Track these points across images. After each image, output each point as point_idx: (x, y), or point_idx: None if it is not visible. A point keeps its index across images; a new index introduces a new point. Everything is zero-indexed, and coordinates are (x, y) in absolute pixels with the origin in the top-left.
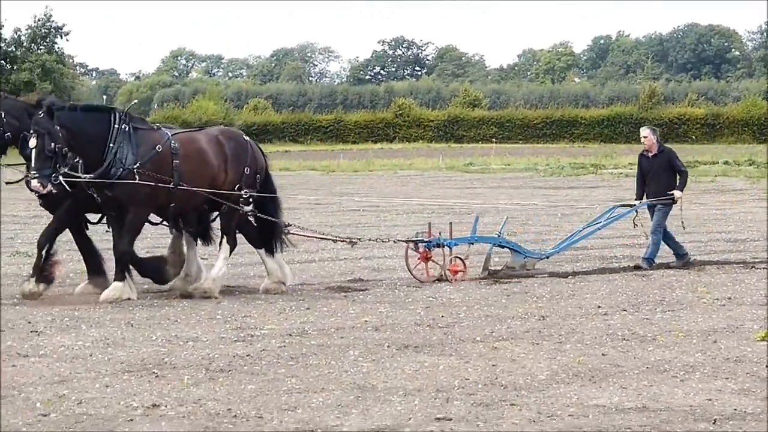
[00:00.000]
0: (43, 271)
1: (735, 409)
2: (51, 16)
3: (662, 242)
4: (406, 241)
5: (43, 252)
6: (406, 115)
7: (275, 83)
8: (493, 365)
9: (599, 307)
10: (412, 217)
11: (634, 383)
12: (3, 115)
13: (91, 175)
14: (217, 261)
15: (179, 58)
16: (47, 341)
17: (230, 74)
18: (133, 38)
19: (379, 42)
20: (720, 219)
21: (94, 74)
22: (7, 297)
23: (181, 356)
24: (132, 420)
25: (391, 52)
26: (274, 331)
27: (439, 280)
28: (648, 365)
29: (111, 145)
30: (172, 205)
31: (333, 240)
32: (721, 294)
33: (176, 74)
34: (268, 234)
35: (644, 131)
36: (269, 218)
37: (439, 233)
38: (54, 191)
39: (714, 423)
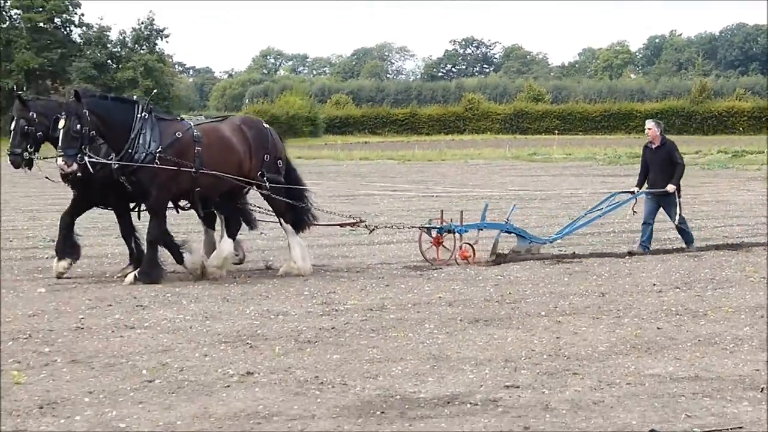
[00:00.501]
0: (66, 249)
1: None
2: (153, 20)
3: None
4: (420, 227)
5: (67, 232)
6: (476, 109)
7: (356, 80)
8: (557, 338)
9: (654, 284)
10: (479, 202)
11: (687, 354)
12: (35, 116)
13: (115, 158)
14: (292, 243)
15: (268, 57)
16: (151, 314)
17: (314, 72)
18: (226, 38)
19: (450, 42)
20: (766, 204)
21: (191, 72)
22: (111, 275)
23: (272, 328)
24: (228, 386)
25: (461, 51)
26: (356, 306)
27: (449, 264)
28: (700, 338)
29: (134, 132)
30: (197, 189)
31: (349, 225)
32: None
33: (265, 72)
34: (292, 215)
35: (649, 123)
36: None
37: (450, 220)
38: (78, 172)
39: (761, 391)
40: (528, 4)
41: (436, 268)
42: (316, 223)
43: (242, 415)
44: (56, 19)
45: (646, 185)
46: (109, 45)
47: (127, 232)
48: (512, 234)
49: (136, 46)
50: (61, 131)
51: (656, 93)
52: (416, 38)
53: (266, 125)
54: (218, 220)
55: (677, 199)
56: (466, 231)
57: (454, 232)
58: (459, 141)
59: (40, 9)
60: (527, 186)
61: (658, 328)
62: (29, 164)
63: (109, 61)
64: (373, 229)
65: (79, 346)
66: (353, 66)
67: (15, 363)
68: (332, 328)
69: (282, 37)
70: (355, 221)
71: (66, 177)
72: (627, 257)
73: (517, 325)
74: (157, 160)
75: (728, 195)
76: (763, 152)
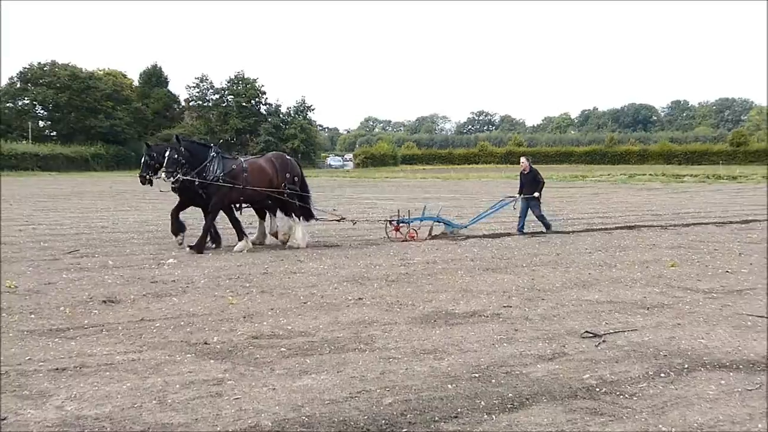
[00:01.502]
0: (179, 228)
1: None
2: (305, 99)
3: (536, 216)
4: (384, 220)
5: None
6: (485, 151)
7: (418, 134)
8: (532, 279)
9: (586, 249)
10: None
11: (605, 288)
12: (154, 154)
13: (196, 179)
14: (296, 229)
15: (369, 120)
16: (305, 266)
17: (395, 129)
18: (346, 108)
19: (470, 112)
20: (647, 203)
21: (326, 130)
22: (276, 244)
23: (373, 274)
24: (348, 306)
25: (476, 117)
26: (419, 261)
27: (404, 241)
28: (612, 279)
29: (207, 163)
30: (241, 198)
31: (339, 220)
32: None
33: (367, 129)
34: (302, 211)
35: (522, 159)
36: (301, 204)
37: (404, 216)
38: (175, 184)
39: (647, 309)
40: (515, 86)
41: (464, 239)
42: (316, 217)
43: (356, 322)
44: (252, 101)
45: (522, 194)
46: (281, 114)
47: (211, 221)
48: (441, 223)
49: (296, 115)
50: (167, 158)
51: (585, 141)
52: (451, 108)
53: (288, 156)
54: (269, 214)
55: (539, 202)
56: (411, 222)
57: (402, 223)
58: (475, 168)
59: (244, 95)
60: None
61: (589, 273)
62: (150, 183)
63: (281, 123)
64: (356, 222)
65: (265, 283)
66: (416, 125)
67: (229, 292)
68: (406, 273)
69: (377, 106)
70: (340, 217)
71: (173, 189)
72: (571, 233)
73: (510, 272)
74: (219, 181)
75: (626, 198)
76: (645, 175)
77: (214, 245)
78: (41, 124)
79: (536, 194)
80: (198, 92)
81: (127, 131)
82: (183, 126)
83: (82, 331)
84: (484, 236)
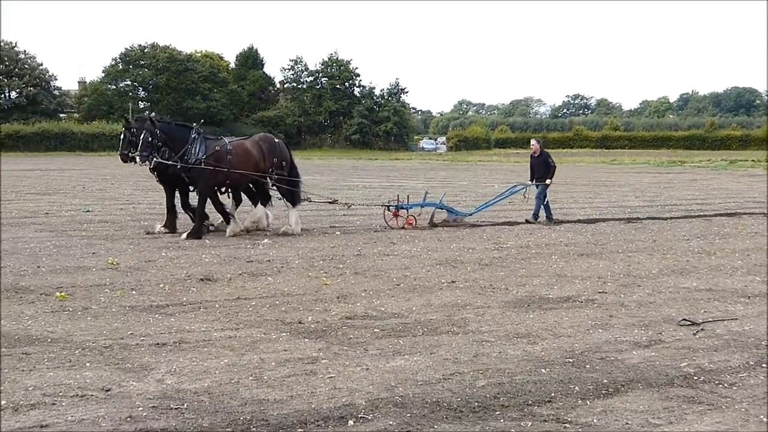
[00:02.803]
0: (171, 223)
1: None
2: (398, 82)
3: (535, 203)
4: (382, 205)
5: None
6: (580, 135)
7: (512, 117)
8: (628, 265)
9: (684, 236)
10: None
11: (704, 276)
12: (134, 130)
13: (178, 162)
14: (290, 214)
15: (462, 104)
16: (398, 248)
17: (488, 112)
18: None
19: (566, 96)
20: (749, 189)
21: (419, 112)
22: (373, 226)
23: (466, 257)
24: (441, 289)
25: (572, 101)
26: (513, 245)
27: (402, 228)
28: (711, 267)
29: (189, 145)
30: (227, 182)
31: (332, 202)
32: None
33: (461, 112)
34: (290, 196)
35: (532, 141)
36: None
37: (403, 200)
38: (150, 167)
39: (748, 298)
40: (611, 69)
41: (558, 224)
42: (307, 200)
43: (449, 305)
44: (346, 83)
45: (534, 180)
46: (374, 97)
47: (203, 206)
48: (444, 210)
49: (389, 97)
50: (141, 141)
51: (684, 126)
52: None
53: (277, 139)
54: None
55: (545, 188)
56: (411, 208)
57: (401, 208)
58: (570, 152)
59: (338, 77)
60: (601, 177)
61: (687, 260)
62: (132, 160)
63: (374, 106)
64: (350, 206)
65: (358, 264)
66: (510, 109)
67: (323, 273)
68: (499, 257)
69: (471, 89)
70: (333, 200)
71: (151, 171)
72: (668, 220)
73: (605, 257)
74: (201, 164)
75: (727, 184)
76: (747, 161)
77: (212, 227)
78: (141, 105)
79: (548, 181)
80: (293, 74)
81: (223, 113)
82: (277, 108)
83: (181, 308)
84: (579, 221)
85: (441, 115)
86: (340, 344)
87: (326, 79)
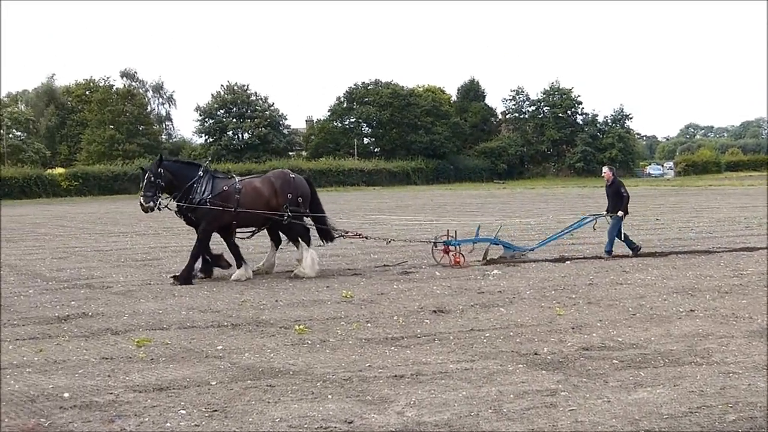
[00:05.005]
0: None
1: None
2: (623, 108)
3: (619, 239)
4: (428, 242)
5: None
6: None
7: (742, 139)
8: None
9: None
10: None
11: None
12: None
13: (181, 203)
14: (305, 255)
15: (689, 127)
16: (631, 276)
17: (717, 135)
18: (669, 112)
19: None
20: None
21: (644, 138)
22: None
23: (703, 285)
24: (679, 318)
25: None
26: (753, 271)
27: (453, 265)
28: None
29: (194, 184)
30: (234, 222)
31: (367, 238)
32: None
33: (687, 136)
34: (303, 234)
35: (605, 169)
36: (301, 223)
37: (452, 236)
38: (154, 208)
39: None
40: None
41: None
42: (339, 235)
43: (689, 335)
44: (568, 111)
45: (608, 212)
46: (597, 124)
47: (200, 248)
48: (500, 245)
49: (613, 124)
50: (145, 182)
51: None
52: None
53: (292, 175)
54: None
55: (619, 220)
56: (458, 244)
57: (450, 245)
58: None
59: (560, 105)
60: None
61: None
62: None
63: (597, 133)
64: (390, 241)
65: (591, 294)
66: (741, 131)
67: (556, 303)
68: (740, 284)
69: (698, 112)
70: (363, 236)
71: (176, 213)
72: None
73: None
74: (207, 203)
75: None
76: None
77: (202, 275)
78: (365, 141)
79: (620, 213)
80: (514, 104)
81: (446, 145)
82: (500, 138)
83: (416, 340)
84: (622, 256)
85: (667, 139)
86: (579, 376)
87: (548, 108)
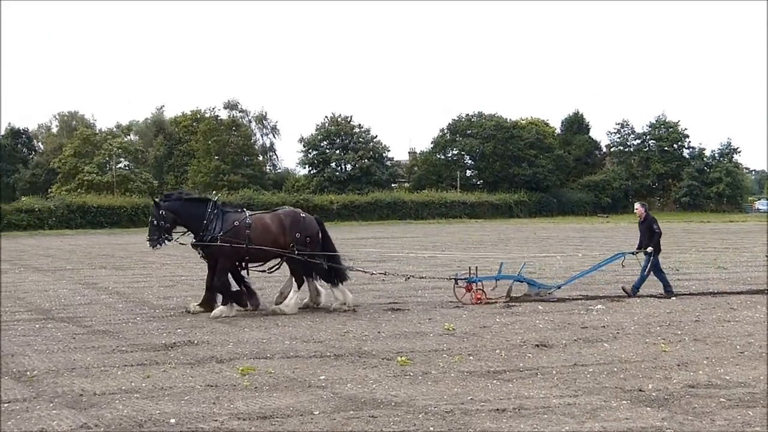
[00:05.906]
0: (238, 297)
1: None
2: (731, 141)
3: (654, 276)
4: (449, 278)
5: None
6: None
7: None
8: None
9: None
10: None
11: None
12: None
13: (193, 240)
14: (291, 294)
15: None
16: (739, 314)
17: None
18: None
19: None
20: None
21: (753, 173)
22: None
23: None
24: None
25: None
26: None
27: (474, 304)
28: None
29: (206, 221)
30: (246, 257)
31: (385, 273)
32: None
33: None
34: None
35: (636, 205)
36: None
37: (473, 273)
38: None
39: None
40: None
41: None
42: (356, 269)
43: None
44: (674, 144)
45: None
46: (704, 158)
47: (221, 283)
48: (524, 282)
49: (720, 158)
50: (149, 226)
51: None
52: None
53: (303, 215)
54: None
55: (651, 257)
56: (478, 281)
57: (474, 282)
58: None
59: (666, 138)
60: None
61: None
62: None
63: (704, 167)
64: (408, 278)
65: (697, 330)
66: None
67: (661, 339)
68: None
69: None
70: (381, 272)
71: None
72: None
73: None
74: (218, 240)
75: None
76: None
77: (252, 307)
78: (468, 173)
79: (649, 249)
80: (619, 138)
81: (549, 178)
82: (604, 172)
83: (518, 374)
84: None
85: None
86: (685, 414)
87: (654, 141)
